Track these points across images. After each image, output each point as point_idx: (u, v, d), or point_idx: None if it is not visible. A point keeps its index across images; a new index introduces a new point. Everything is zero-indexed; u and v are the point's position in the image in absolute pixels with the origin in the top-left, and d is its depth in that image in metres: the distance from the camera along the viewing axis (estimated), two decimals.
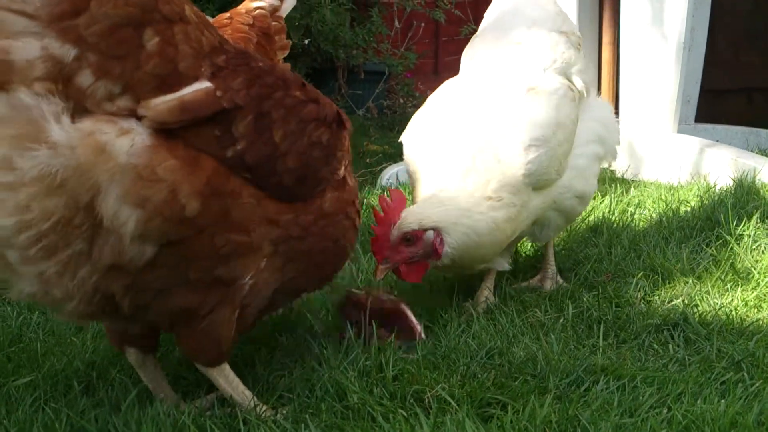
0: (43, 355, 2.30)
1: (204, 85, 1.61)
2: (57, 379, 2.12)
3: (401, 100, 8.99)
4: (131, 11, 1.50)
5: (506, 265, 2.78)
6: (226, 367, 1.87)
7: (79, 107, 1.49)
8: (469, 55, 2.93)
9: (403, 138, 2.77)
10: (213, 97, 1.62)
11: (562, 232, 3.27)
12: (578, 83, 2.80)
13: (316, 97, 1.91)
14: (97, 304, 1.64)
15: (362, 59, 8.00)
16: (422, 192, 2.55)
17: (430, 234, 2.36)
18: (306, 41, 7.52)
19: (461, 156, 2.52)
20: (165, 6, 1.55)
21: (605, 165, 3.05)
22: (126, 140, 1.50)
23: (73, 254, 1.54)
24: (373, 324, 2.23)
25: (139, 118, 1.55)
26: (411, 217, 2.37)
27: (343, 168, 1.97)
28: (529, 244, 3.30)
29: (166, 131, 1.57)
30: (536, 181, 2.54)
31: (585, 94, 2.83)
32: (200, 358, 1.83)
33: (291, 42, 2.60)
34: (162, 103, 1.55)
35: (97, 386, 2.10)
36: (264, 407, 1.89)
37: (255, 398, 1.91)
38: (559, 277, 2.92)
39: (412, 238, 2.36)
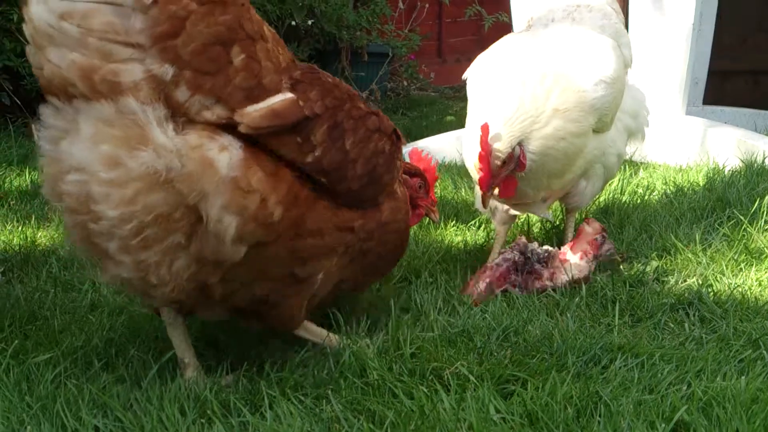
0: (60, 332, 2.30)
1: (288, 95, 1.79)
2: (77, 356, 2.12)
3: (405, 82, 8.95)
4: (220, 30, 1.65)
5: (548, 214, 2.95)
6: (306, 324, 2.09)
7: (178, 117, 1.66)
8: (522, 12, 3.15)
9: (468, 74, 2.92)
10: (297, 106, 1.80)
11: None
12: (626, 53, 2.98)
13: (376, 111, 2.11)
14: (190, 291, 1.82)
15: (366, 41, 7.94)
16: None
17: (516, 149, 2.56)
18: (309, 22, 7.47)
19: (530, 81, 2.62)
20: (248, 25, 1.70)
21: (634, 144, 3.19)
22: (226, 155, 1.68)
23: (171, 246, 1.71)
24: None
25: (235, 126, 1.70)
26: (502, 143, 2.53)
27: (397, 180, 2.20)
28: (542, 231, 3.31)
29: (253, 143, 1.74)
30: (599, 116, 2.68)
31: (630, 65, 3.03)
32: (277, 329, 2.08)
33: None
34: (255, 110, 1.72)
35: (117, 363, 2.10)
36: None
37: (337, 338, 2.11)
38: None
39: (506, 159, 2.55)
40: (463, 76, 2.93)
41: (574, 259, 2.66)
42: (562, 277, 2.62)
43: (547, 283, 2.63)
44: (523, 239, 2.76)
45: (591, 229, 2.76)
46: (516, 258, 2.66)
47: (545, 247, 2.76)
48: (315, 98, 1.85)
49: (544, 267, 2.66)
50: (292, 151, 1.81)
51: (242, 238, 1.74)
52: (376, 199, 2.09)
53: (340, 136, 1.91)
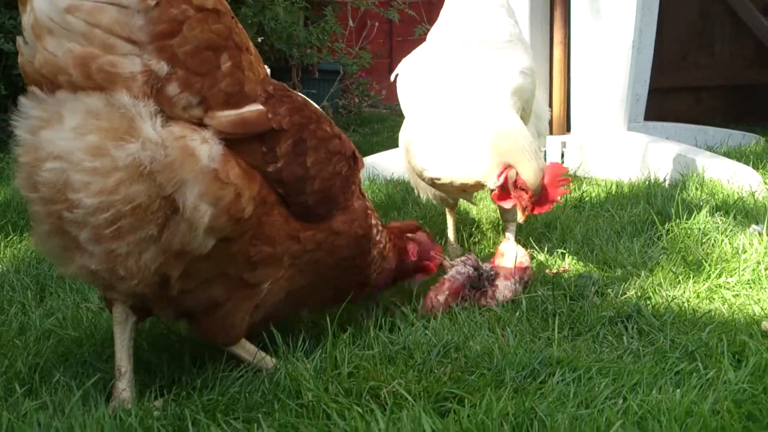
0: None
1: (259, 107, 1.89)
2: None
3: (356, 99, 8.97)
4: (212, 37, 1.78)
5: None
6: (243, 342, 2.08)
7: (162, 112, 1.74)
8: (438, 29, 3.34)
9: (400, 78, 3.21)
10: (265, 118, 1.91)
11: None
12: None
13: (339, 134, 2.21)
14: (153, 285, 1.85)
15: (317, 58, 7.94)
16: (424, 119, 2.97)
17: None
18: (259, 39, 7.42)
19: (467, 85, 2.87)
20: (236, 36, 1.84)
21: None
22: (207, 147, 1.77)
23: (144, 237, 1.75)
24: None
25: (204, 126, 1.79)
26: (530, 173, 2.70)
27: (354, 197, 2.28)
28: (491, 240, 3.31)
29: (229, 144, 1.82)
30: (524, 101, 2.97)
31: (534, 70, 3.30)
32: (216, 340, 2.05)
33: None
34: (225, 116, 1.82)
35: (40, 389, 2.00)
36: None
37: (273, 359, 2.08)
38: None
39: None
40: (392, 77, 3.23)
41: (504, 282, 2.70)
42: (499, 296, 2.65)
43: (490, 301, 2.64)
44: (473, 255, 2.77)
45: (509, 248, 2.83)
46: (470, 273, 2.68)
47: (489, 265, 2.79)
48: (284, 114, 1.96)
49: (490, 285, 2.69)
50: (256, 159, 1.90)
51: (214, 229, 1.80)
52: (327, 215, 2.15)
53: (302, 153, 2.01)
